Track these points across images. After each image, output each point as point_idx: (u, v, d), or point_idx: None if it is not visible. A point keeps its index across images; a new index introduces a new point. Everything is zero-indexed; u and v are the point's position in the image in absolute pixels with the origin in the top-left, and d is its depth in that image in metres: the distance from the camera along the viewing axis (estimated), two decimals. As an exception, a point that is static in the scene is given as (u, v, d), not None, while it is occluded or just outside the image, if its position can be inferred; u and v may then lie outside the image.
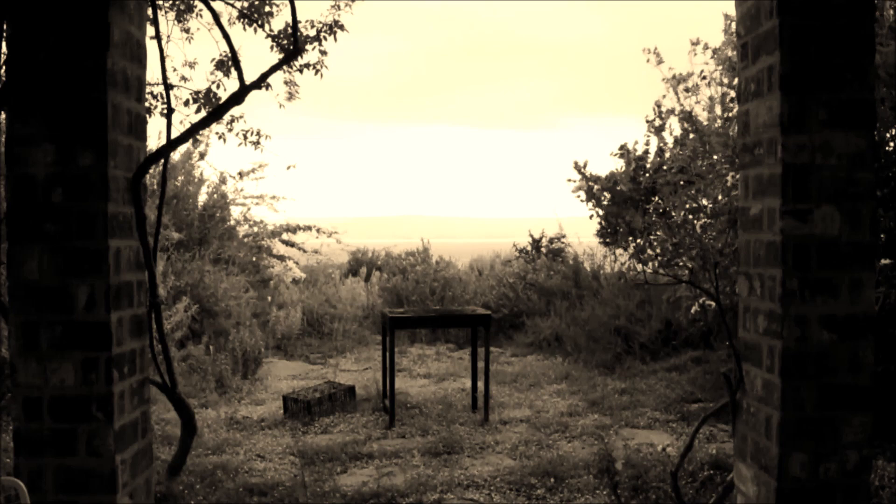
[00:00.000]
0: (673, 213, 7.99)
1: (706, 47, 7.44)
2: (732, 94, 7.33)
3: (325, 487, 4.79)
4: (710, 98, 7.69)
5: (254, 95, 3.52)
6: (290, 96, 6.06)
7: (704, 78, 7.52)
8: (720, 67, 7.33)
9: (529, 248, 13.07)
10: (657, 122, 9.34)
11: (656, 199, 9.73)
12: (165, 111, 4.75)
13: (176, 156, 10.69)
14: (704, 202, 7.22)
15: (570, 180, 10.97)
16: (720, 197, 6.62)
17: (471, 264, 14.51)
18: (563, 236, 12.97)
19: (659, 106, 9.05)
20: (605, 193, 10.57)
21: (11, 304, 2.48)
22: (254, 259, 11.91)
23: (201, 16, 5.60)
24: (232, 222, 11.73)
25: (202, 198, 11.26)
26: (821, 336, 2.35)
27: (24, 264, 2.45)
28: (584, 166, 10.91)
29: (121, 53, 2.55)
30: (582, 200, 10.94)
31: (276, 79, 5.92)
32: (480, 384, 6.81)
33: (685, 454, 3.62)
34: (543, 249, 12.93)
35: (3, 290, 4.18)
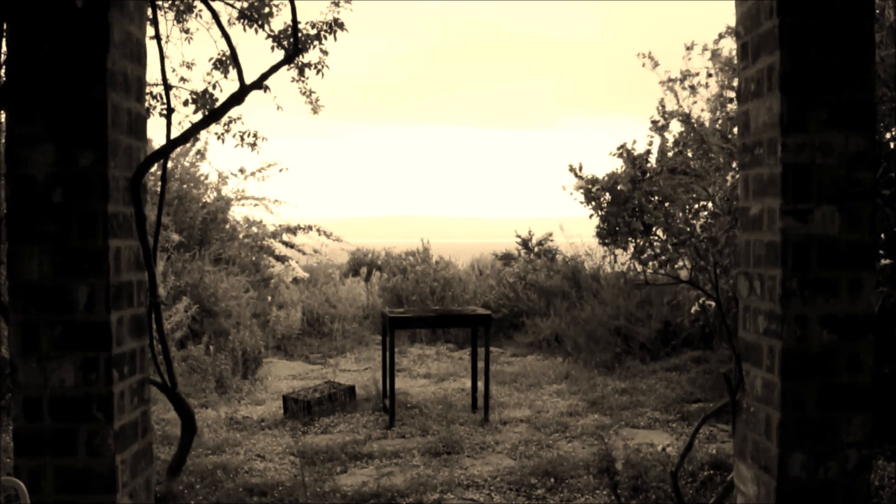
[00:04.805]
0: (671, 211, 7.99)
1: (705, 49, 7.45)
2: (730, 94, 7.33)
3: (325, 487, 4.79)
4: (709, 100, 7.68)
5: (254, 97, 3.52)
6: (314, 109, 5.98)
7: (711, 76, 7.52)
8: (717, 66, 7.34)
9: (519, 249, 13.05)
10: (661, 123, 9.32)
11: (656, 199, 9.71)
12: (165, 111, 4.75)
13: (176, 157, 10.69)
14: (706, 203, 7.23)
15: (565, 187, 10.92)
16: (718, 197, 6.63)
17: (471, 264, 14.52)
18: (551, 234, 12.97)
19: (663, 106, 9.05)
20: (606, 194, 10.53)
21: (11, 304, 2.48)
22: (254, 259, 11.91)
23: (201, 16, 5.59)
24: (232, 222, 11.74)
25: (203, 199, 11.25)
26: (821, 336, 2.35)
27: (24, 264, 2.45)
28: (580, 168, 10.90)
29: (121, 53, 2.55)
30: (581, 203, 10.92)
31: (285, 89, 5.88)
32: (480, 384, 6.81)
33: (685, 454, 3.62)
34: (535, 249, 12.92)
35: (3, 290, 4.18)
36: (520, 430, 6.17)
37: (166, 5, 5.41)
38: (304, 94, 5.83)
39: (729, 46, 7.48)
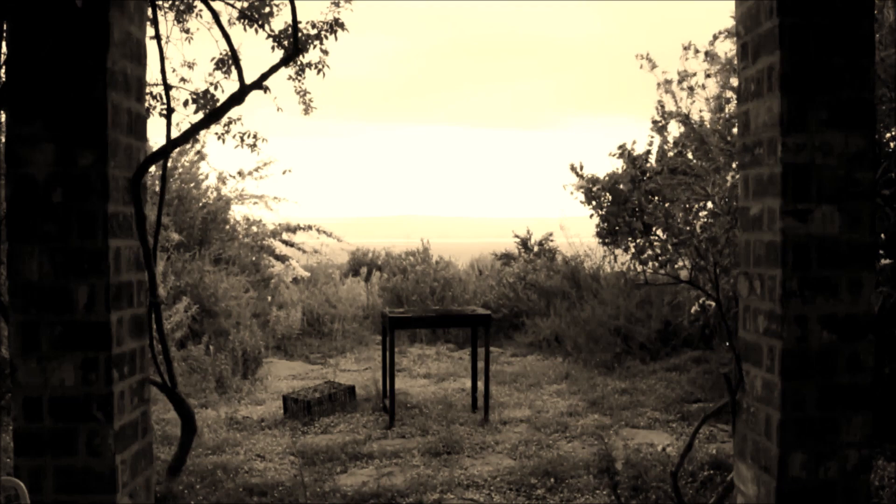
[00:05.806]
0: (671, 211, 8.00)
1: (697, 52, 7.48)
2: (729, 94, 7.33)
3: (325, 487, 4.79)
4: (708, 100, 7.69)
5: (254, 97, 3.52)
6: (307, 109, 5.98)
7: (709, 76, 7.53)
8: (715, 67, 7.35)
9: (519, 249, 13.05)
10: (661, 123, 9.32)
11: (657, 198, 9.72)
12: (165, 111, 4.75)
13: (176, 156, 10.68)
14: (706, 203, 7.23)
15: (565, 186, 10.93)
16: (718, 197, 6.63)
17: (471, 264, 14.52)
18: (551, 234, 12.98)
19: (663, 106, 9.06)
20: (606, 194, 10.54)
21: (11, 304, 2.48)
22: (254, 259, 11.91)
23: (201, 16, 5.59)
24: (232, 222, 11.73)
25: (204, 199, 11.25)
26: (821, 336, 2.35)
27: (24, 264, 2.45)
28: (581, 168, 10.91)
29: (121, 53, 2.55)
30: (582, 202, 10.92)
31: (285, 89, 5.87)
32: (480, 384, 6.81)
33: (685, 454, 3.63)
34: (535, 249, 12.93)
35: (3, 290, 4.18)
36: (520, 430, 6.17)
37: (166, 5, 5.41)
38: (298, 93, 5.84)
39: (724, 48, 7.51)
